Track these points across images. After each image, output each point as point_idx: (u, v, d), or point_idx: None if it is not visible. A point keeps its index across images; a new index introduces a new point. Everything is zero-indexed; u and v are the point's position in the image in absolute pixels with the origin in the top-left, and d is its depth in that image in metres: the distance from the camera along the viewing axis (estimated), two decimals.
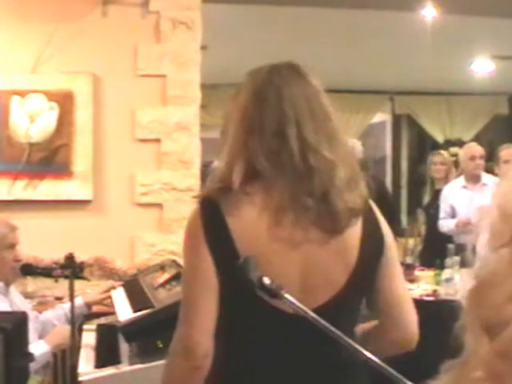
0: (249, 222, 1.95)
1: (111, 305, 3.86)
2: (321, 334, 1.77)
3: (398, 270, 2.13)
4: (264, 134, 2.00)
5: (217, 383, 2.04)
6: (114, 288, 4.05)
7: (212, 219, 1.97)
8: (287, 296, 1.61)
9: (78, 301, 4.03)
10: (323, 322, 1.61)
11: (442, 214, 6.81)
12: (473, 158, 6.75)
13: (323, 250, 1.97)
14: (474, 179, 6.72)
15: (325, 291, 1.98)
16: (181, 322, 2.02)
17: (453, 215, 6.72)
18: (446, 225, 6.69)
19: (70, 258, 3.73)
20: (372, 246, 2.04)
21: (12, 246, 3.93)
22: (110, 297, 3.97)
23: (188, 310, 1.99)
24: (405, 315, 2.10)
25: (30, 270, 4.02)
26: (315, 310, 1.82)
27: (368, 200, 2.06)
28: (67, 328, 3.93)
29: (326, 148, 1.98)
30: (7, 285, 3.95)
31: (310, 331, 1.82)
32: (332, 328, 1.59)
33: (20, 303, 4.01)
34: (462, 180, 6.86)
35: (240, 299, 1.95)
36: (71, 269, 3.76)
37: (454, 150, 8.87)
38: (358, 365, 1.90)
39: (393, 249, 2.12)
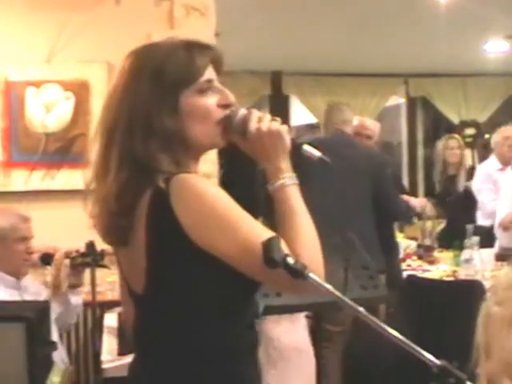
0: None
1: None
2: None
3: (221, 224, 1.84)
4: None
5: None
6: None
7: None
8: (311, 275, 1.61)
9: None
10: (348, 301, 1.60)
11: (490, 195, 6.61)
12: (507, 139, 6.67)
13: (125, 253, 2.04)
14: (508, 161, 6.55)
15: (139, 283, 2.00)
16: None
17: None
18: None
19: (90, 244, 3.74)
20: (158, 238, 1.91)
21: (24, 239, 3.90)
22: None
23: None
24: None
25: (49, 259, 4.02)
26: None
27: (159, 190, 1.90)
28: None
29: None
30: (18, 278, 3.93)
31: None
32: (358, 307, 1.59)
33: (35, 295, 3.99)
34: (495, 162, 6.74)
35: None
36: (92, 256, 3.78)
37: (468, 131, 8.80)
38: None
39: (194, 222, 1.85)
